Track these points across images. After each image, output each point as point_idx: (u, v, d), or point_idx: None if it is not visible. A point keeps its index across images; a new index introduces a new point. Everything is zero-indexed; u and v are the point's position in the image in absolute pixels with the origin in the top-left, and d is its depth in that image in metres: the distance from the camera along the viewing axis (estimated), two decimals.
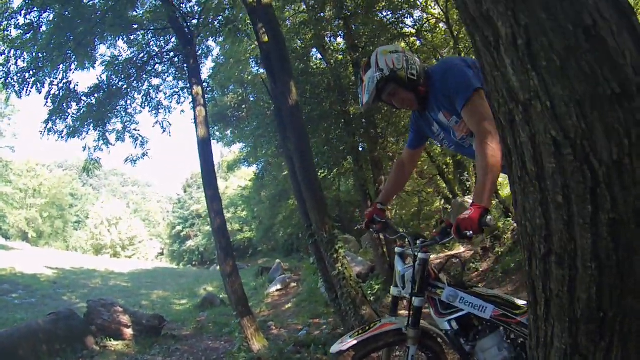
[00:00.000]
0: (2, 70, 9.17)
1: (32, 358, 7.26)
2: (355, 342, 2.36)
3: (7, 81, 9.20)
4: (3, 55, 9.07)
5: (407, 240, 2.51)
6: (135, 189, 76.59)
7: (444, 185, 16.55)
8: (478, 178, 2.22)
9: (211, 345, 8.57)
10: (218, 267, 8.48)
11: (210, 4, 9.98)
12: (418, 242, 2.40)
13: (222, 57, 15.06)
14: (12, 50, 9.05)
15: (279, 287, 15.11)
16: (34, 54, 9.05)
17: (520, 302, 2.38)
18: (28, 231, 47.12)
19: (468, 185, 13.25)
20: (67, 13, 8.69)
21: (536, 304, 1.21)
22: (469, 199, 12.87)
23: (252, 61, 15.60)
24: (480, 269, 8.43)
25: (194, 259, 48.06)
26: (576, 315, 1.10)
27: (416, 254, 2.38)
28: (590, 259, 1.04)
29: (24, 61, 9.22)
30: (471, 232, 2.04)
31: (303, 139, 7.21)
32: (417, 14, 12.66)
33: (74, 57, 9.29)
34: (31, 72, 9.15)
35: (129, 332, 8.79)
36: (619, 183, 0.99)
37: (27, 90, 9.19)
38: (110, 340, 8.49)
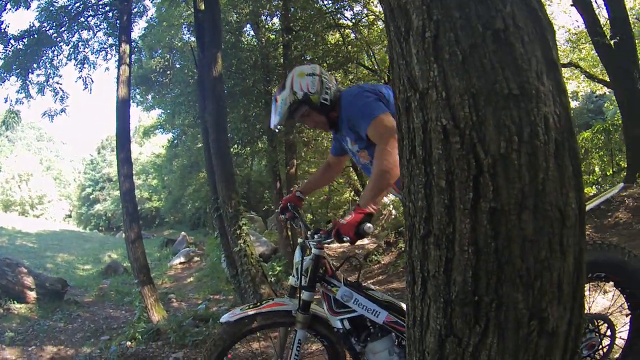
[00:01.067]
0: None
1: None
2: (243, 315, 2.39)
3: None
4: None
5: (308, 233, 2.54)
6: (50, 145, 72.88)
7: (355, 177, 17.04)
8: (367, 184, 2.29)
9: (112, 314, 8.57)
10: (124, 235, 8.37)
11: None
12: (315, 237, 2.43)
13: (155, 19, 14.58)
14: None
15: (182, 260, 15.19)
16: None
17: None
18: None
19: None
20: None
21: (414, 284, 1.25)
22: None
23: (185, 28, 15.31)
24: (382, 262, 8.78)
25: (100, 224, 47.01)
26: (451, 297, 1.14)
27: (312, 248, 2.42)
28: (467, 243, 1.09)
29: None
30: (348, 238, 2.09)
31: (221, 112, 7.30)
32: (357, 7, 12.86)
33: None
34: None
35: (32, 295, 8.65)
36: (503, 175, 1.04)
37: None
38: (14, 303, 8.31)
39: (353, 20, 12.81)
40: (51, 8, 9.95)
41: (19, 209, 47.11)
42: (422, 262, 1.20)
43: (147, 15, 13.94)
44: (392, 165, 2.13)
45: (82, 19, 10.36)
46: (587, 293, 2.27)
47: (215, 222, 7.88)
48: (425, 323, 1.24)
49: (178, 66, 15.88)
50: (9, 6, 9.40)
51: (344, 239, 2.10)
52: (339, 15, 12.46)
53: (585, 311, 1.54)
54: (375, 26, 12.79)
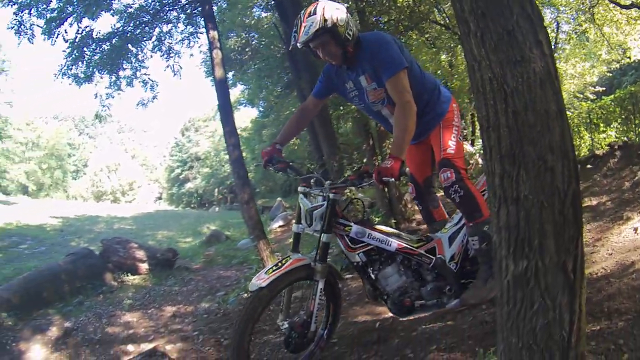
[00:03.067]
0: (15, 20, 9.62)
1: (55, 298, 7.34)
2: (272, 278, 2.58)
3: (20, 29, 9.73)
4: (15, 5, 9.50)
5: (312, 180, 2.86)
6: (131, 135, 76.02)
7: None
8: (396, 135, 2.61)
9: (223, 274, 8.93)
10: (217, 209, 8.83)
11: None
12: (327, 183, 2.75)
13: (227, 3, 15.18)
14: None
15: (281, 223, 15.42)
16: (60, 5, 9.64)
17: (415, 238, 2.96)
18: (28, 184, 47.61)
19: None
20: None
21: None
22: (465, 144, 13.40)
23: (257, 7, 15.87)
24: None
25: (192, 201, 48.68)
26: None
27: (328, 194, 2.70)
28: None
29: (40, 12, 9.74)
30: (392, 179, 2.43)
31: (315, 77, 7.62)
32: None
33: (94, 7, 9.68)
34: (57, 22, 9.68)
35: (144, 266, 9.06)
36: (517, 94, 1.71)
37: (53, 40, 9.80)
38: (128, 275, 8.75)
39: None
40: (129, 9, 10.73)
41: (110, 198, 49.72)
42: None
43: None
44: (413, 119, 2.59)
45: (162, 14, 11.03)
46: None
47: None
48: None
49: (255, 42, 16.40)
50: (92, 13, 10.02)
51: (388, 180, 2.43)
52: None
53: None
54: None
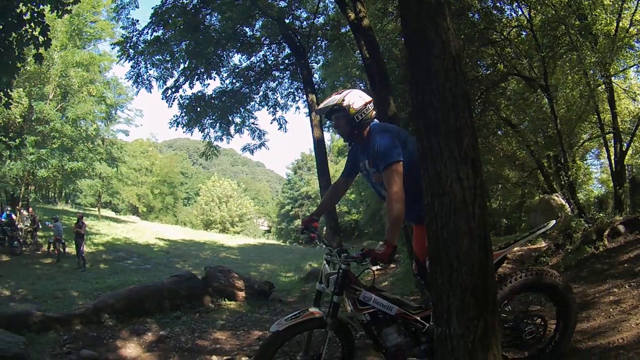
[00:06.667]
0: (133, 72, 11.54)
1: (156, 311, 8.07)
2: (288, 325, 3.11)
3: (138, 80, 11.64)
4: (132, 61, 11.41)
5: (333, 251, 3.36)
6: (245, 169, 79.12)
7: (542, 178, 16.57)
8: (388, 223, 3.08)
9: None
10: (324, 247, 9.29)
11: (316, 24, 11.56)
12: (342, 256, 3.25)
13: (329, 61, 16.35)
14: (142, 57, 11.53)
15: (379, 266, 15.75)
16: (176, 75, 11.59)
17: (414, 305, 3.39)
18: (138, 206, 50.49)
19: (564, 182, 13.46)
20: (201, 37, 10.75)
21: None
22: (556, 196, 13.23)
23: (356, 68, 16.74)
24: (550, 263, 8.89)
25: (300, 237, 49.21)
26: None
27: (340, 264, 3.22)
28: None
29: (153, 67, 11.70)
30: (382, 264, 3.02)
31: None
32: None
33: (204, 74, 11.39)
34: (173, 90, 11.61)
35: (241, 294, 9.65)
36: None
37: (169, 102, 11.74)
38: (225, 300, 9.34)
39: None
40: (237, 70, 12.21)
41: (219, 227, 51.27)
42: None
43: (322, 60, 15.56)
44: (401, 209, 3.02)
45: (267, 74, 12.33)
46: None
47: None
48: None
49: None
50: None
51: (379, 264, 3.01)
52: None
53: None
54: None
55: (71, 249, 18.53)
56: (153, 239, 25.96)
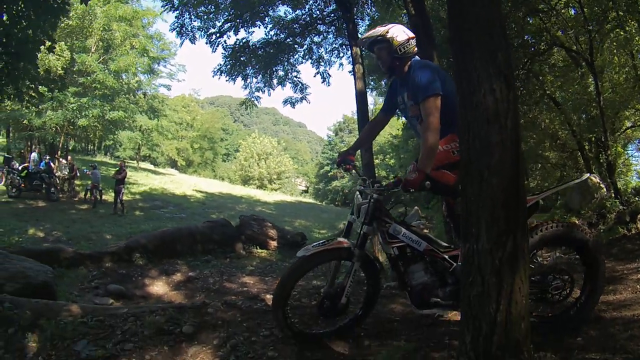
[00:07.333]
0: (177, 23, 11.40)
1: (188, 253, 8.39)
2: (316, 251, 3.14)
3: (182, 31, 11.51)
4: (176, 11, 11.28)
5: (366, 182, 3.35)
6: (286, 128, 79.62)
7: (582, 161, 15.97)
8: (422, 151, 3.09)
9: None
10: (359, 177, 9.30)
11: None
12: (375, 186, 3.23)
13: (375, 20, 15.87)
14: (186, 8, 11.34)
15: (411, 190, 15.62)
16: (220, 21, 11.46)
17: (444, 244, 3.33)
18: (177, 159, 51.25)
19: (602, 161, 12.86)
20: None
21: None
22: (593, 177, 12.37)
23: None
24: None
25: (337, 198, 50.39)
26: None
27: (372, 194, 3.20)
28: None
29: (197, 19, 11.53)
30: (413, 190, 2.96)
31: None
32: None
33: (249, 22, 11.27)
34: (217, 35, 11.47)
35: (273, 243, 9.92)
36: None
37: (214, 47, 11.63)
38: (257, 248, 9.60)
39: None
40: (282, 22, 12.02)
41: (257, 183, 51.67)
42: None
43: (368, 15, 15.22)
44: (436, 138, 3.04)
45: (312, 28, 12.17)
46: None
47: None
48: None
49: None
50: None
51: (410, 190, 2.97)
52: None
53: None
54: None
55: (108, 197, 19.08)
56: (190, 191, 26.29)
